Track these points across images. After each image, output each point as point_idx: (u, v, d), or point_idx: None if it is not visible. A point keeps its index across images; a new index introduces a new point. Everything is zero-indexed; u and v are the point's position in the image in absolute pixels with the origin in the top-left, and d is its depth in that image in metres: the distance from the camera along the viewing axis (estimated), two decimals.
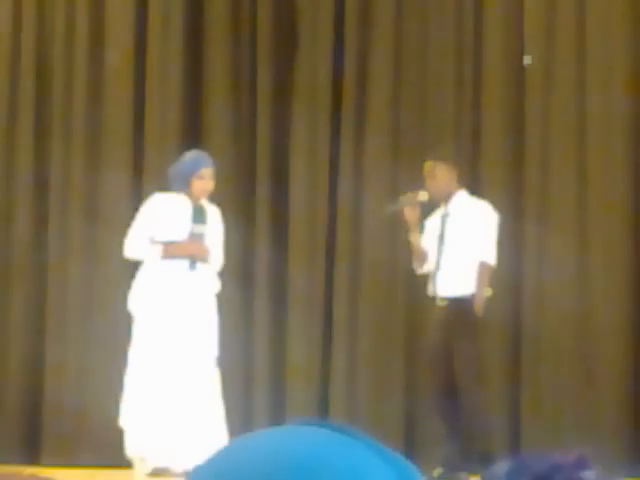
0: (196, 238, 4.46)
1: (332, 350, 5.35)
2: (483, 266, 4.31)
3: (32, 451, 5.53)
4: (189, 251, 4.42)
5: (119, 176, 5.58)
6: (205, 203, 4.54)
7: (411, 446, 4.94)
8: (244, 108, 5.72)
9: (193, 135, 5.64)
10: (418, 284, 4.73)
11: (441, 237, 4.39)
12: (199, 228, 4.50)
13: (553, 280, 4.92)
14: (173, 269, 4.39)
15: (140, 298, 4.42)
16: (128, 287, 4.57)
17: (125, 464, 4.54)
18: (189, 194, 4.44)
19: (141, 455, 4.30)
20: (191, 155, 4.61)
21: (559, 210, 5.29)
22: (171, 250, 4.40)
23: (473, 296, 4.27)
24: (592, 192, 5.22)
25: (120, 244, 4.64)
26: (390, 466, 0.36)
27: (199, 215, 4.51)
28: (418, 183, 4.54)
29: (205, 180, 4.42)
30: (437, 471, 4.18)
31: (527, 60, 5.24)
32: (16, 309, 5.73)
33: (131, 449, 4.35)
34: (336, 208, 5.48)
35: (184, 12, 5.79)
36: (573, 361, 5.08)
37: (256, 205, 5.57)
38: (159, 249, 4.41)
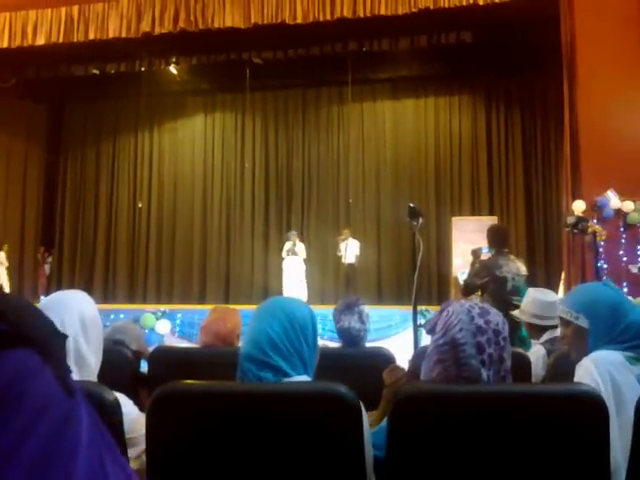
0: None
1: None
2: (356, 257, 10.74)
3: (226, 297, 11.85)
4: None
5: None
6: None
7: None
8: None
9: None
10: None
11: (346, 248, 10.68)
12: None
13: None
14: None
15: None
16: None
17: None
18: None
19: None
20: (292, 231, 11.06)
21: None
22: None
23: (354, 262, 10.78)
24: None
25: None
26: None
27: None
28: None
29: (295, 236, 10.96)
30: None
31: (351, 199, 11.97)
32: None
33: None
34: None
35: None
36: None
37: None
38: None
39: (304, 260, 10.84)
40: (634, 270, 6.34)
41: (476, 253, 4.77)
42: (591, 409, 1.22)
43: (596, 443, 1.22)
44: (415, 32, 9.48)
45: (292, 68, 10.84)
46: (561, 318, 1.72)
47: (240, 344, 2.53)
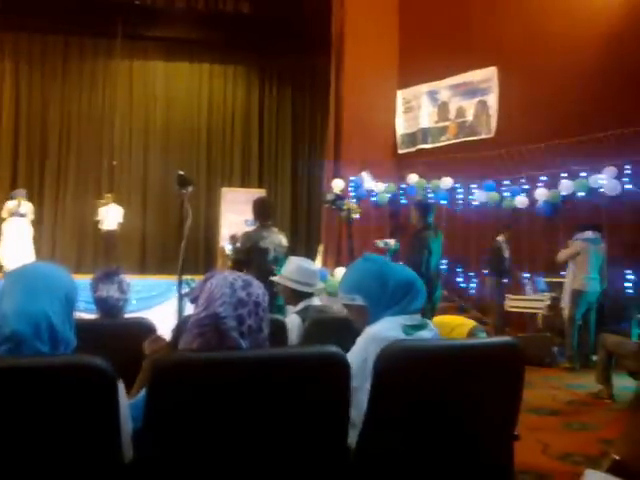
0: None
1: None
2: (118, 224, 10.09)
3: None
4: None
5: None
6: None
7: None
8: None
9: None
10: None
11: (106, 215, 10.19)
12: None
13: None
14: None
15: None
16: None
17: None
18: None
19: None
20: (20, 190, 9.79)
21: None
22: None
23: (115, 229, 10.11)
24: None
25: None
26: None
27: None
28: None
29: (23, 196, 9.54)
30: None
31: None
32: None
33: None
34: None
35: None
36: None
37: None
38: None
39: (31, 222, 9.71)
40: (380, 244, 7.17)
41: (234, 238, 4.93)
42: (335, 367, 1.38)
43: (339, 395, 1.39)
44: None
45: (54, 9, 9.87)
46: (344, 304, 1.85)
47: None
